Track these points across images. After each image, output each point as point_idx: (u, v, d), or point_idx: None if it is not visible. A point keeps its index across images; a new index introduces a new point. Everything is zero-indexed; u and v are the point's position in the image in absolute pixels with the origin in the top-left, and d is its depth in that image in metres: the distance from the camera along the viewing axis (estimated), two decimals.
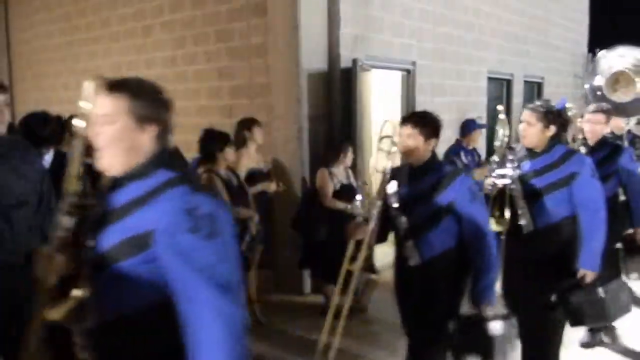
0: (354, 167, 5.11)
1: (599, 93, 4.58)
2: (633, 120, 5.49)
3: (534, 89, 9.93)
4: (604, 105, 4.47)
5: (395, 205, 2.90)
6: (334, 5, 5.49)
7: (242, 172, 4.52)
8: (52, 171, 3.79)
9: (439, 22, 7.15)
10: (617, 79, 4.48)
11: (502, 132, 3.42)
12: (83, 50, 8.14)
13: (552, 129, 3.16)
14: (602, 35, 4.76)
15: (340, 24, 5.54)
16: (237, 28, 5.88)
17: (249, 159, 4.71)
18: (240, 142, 4.63)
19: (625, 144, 5.01)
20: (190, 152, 4.33)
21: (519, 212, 3.21)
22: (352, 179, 4.89)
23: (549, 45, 10.21)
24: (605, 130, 4.32)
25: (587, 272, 3.12)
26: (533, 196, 3.18)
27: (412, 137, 2.82)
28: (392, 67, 6.54)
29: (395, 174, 2.99)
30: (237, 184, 4.18)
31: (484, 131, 6.54)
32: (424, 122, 2.86)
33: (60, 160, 3.91)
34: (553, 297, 3.15)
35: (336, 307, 3.44)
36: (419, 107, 6.76)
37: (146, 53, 7.05)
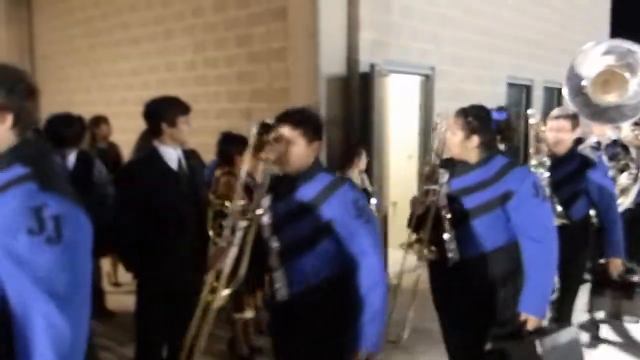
0: (370, 171, 5.11)
1: (581, 95, 3.85)
2: (626, 128, 4.68)
3: (554, 95, 9.84)
4: (569, 109, 3.71)
5: (268, 223, 2.29)
6: (353, 10, 5.51)
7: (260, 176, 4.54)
8: (77, 170, 3.91)
9: (458, 27, 7.13)
10: (607, 80, 3.69)
11: (437, 141, 2.88)
12: (105, 54, 8.24)
13: (475, 140, 2.62)
14: None
15: (359, 28, 5.55)
16: (257, 33, 5.93)
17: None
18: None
19: (604, 158, 4.09)
20: (209, 155, 4.38)
21: (445, 237, 2.65)
22: (367, 183, 4.86)
23: (569, 52, 10.09)
24: (573, 138, 3.60)
25: (529, 317, 2.51)
26: (461, 219, 2.63)
27: (292, 141, 2.26)
28: (410, 72, 6.53)
29: (273, 185, 2.34)
30: (253, 187, 4.20)
31: None
32: (305, 122, 2.29)
33: (84, 160, 4.00)
34: (488, 346, 2.59)
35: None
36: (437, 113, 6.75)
37: (167, 57, 7.14)
